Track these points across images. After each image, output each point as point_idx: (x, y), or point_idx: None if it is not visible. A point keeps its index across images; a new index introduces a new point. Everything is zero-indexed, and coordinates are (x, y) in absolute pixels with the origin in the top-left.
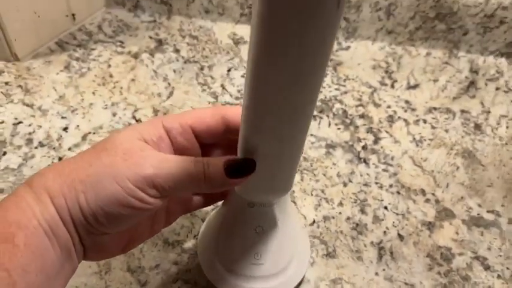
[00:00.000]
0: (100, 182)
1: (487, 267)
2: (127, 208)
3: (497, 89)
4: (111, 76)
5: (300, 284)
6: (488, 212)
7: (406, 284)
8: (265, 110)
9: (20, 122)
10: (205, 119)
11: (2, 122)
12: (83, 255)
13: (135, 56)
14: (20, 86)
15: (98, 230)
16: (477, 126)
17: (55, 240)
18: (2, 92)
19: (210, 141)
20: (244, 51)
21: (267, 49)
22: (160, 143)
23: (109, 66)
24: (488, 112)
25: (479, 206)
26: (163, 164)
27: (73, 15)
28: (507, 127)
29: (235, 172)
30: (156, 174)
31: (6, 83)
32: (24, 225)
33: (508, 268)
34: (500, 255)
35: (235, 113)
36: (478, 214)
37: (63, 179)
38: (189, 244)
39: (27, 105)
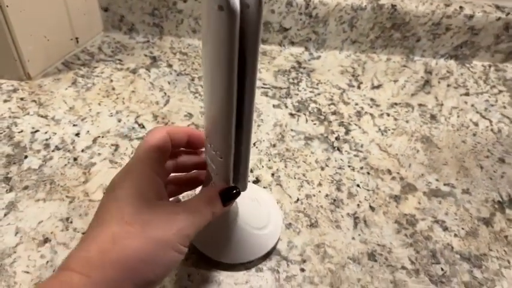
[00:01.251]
0: (160, 255)
1: (445, 229)
2: (174, 264)
3: (448, 85)
4: (113, 89)
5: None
6: (444, 185)
7: (378, 245)
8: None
9: (37, 131)
10: (179, 135)
11: (21, 131)
12: None
13: (133, 71)
14: (34, 101)
15: None
16: (433, 117)
17: None
18: (18, 107)
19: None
20: None
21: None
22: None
23: (111, 81)
24: (442, 105)
25: (437, 180)
26: (190, 219)
27: (76, 38)
28: (458, 116)
29: (228, 199)
30: (191, 230)
31: (22, 99)
32: None
33: (463, 228)
34: (456, 219)
35: (196, 133)
36: (436, 187)
37: (123, 265)
38: None
39: (42, 116)
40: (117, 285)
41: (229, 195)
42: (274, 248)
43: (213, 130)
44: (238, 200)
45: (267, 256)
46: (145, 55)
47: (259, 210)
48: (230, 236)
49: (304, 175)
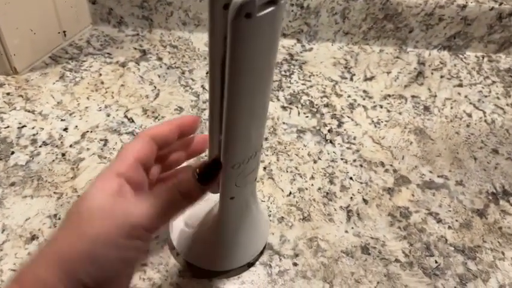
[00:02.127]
0: (96, 253)
1: (439, 221)
2: (140, 255)
3: (441, 77)
4: (102, 83)
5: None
6: (438, 176)
7: (372, 238)
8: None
9: (24, 126)
10: (167, 136)
11: (8, 127)
12: None
13: (123, 65)
14: (20, 96)
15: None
16: (426, 108)
17: None
18: (5, 102)
19: (167, 149)
20: None
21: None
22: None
23: (100, 74)
24: (435, 96)
25: (431, 172)
26: (143, 210)
27: (64, 32)
28: (451, 107)
29: (207, 176)
30: (143, 226)
31: (8, 94)
32: None
33: (456, 220)
34: (450, 211)
35: (187, 121)
36: (430, 179)
37: (57, 264)
38: None
39: (29, 111)
40: (51, 286)
41: (206, 170)
42: (264, 246)
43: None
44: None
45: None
46: (135, 48)
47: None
48: (217, 242)
49: (296, 168)
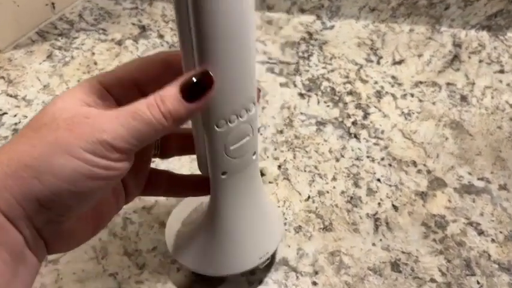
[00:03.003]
0: (54, 161)
1: (480, 232)
2: (95, 181)
3: (480, 61)
4: (95, 64)
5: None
6: (478, 179)
7: (403, 252)
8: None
9: (5, 113)
10: (145, 66)
11: None
12: (45, 250)
13: (119, 43)
14: (2, 77)
15: (62, 216)
16: (463, 98)
17: (0, 248)
18: None
19: (153, 87)
20: None
21: None
22: (105, 101)
23: (93, 54)
24: (473, 84)
25: (470, 174)
26: (115, 123)
27: (53, 4)
28: (492, 97)
29: (194, 92)
30: (113, 137)
31: None
32: None
33: (501, 232)
34: (493, 220)
35: (175, 55)
36: (469, 182)
37: (3, 169)
38: None
39: (11, 96)
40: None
41: (193, 84)
42: (275, 252)
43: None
44: None
45: (271, 265)
46: (133, 24)
47: None
48: (209, 238)
49: (316, 167)
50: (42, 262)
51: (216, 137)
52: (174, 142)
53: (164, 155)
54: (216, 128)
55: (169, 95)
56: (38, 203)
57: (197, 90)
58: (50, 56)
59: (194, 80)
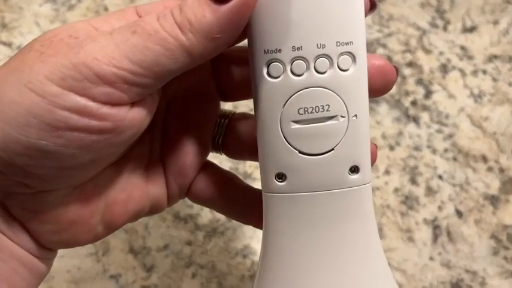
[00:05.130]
0: (5, 94)
1: None
2: (66, 132)
3: None
4: (106, 9)
5: None
6: None
7: (466, 271)
8: None
9: None
10: None
11: None
12: (27, 236)
13: None
14: None
15: (26, 185)
16: None
17: None
18: None
19: None
20: None
21: None
22: None
23: None
24: None
25: None
26: (106, 40)
27: None
28: None
29: None
30: (95, 58)
31: None
32: None
33: None
34: None
35: None
36: None
37: None
38: (204, 219)
39: (5, 43)
40: None
41: None
42: None
43: None
44: None
45: None
46: None
47: None
48: None
49: None
50: (32, 252)
51: (265, 90)
52: (249, 137)
53: (231, 151)
54: (265, 74)
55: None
56: None
57: None
58: None
59: None
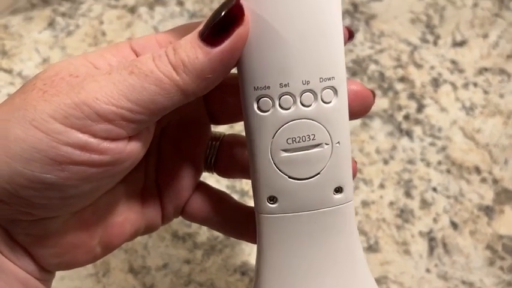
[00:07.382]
0: (10, 131)
1: None
2: (68, 166)
3: None
4: (103, 35)
5: None
6: None
7: (463, 282)
8: None
9: None
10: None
11: None
12: (31, 260)
13: (132, 10)
14: None
15: (29, 214)
16: None
17: None
18: None
19: None
20: None
21: None
22: None
23: (101, 22)
24: None
25: None
26: (105, 80)
27: None
28: None
29: (216, 27)
30: (96, 98)
31: None
32: None
33: None
34: None
35: None
36: None
37: None
38: (203, 237)
39: (5, 70)
40: None
41: (218, 23)
42: None
43: None
44: None
45: None
46: None
47: None
48: None
49: (360, 171)
50: (33, 274)
51: (256, 122)
52: (239, 158)
53: (222, 171)
54: (255, 108)
55: (184, 41)
56: None
57: (220, 23)
58: (51, 24)
59: (223, 13)
